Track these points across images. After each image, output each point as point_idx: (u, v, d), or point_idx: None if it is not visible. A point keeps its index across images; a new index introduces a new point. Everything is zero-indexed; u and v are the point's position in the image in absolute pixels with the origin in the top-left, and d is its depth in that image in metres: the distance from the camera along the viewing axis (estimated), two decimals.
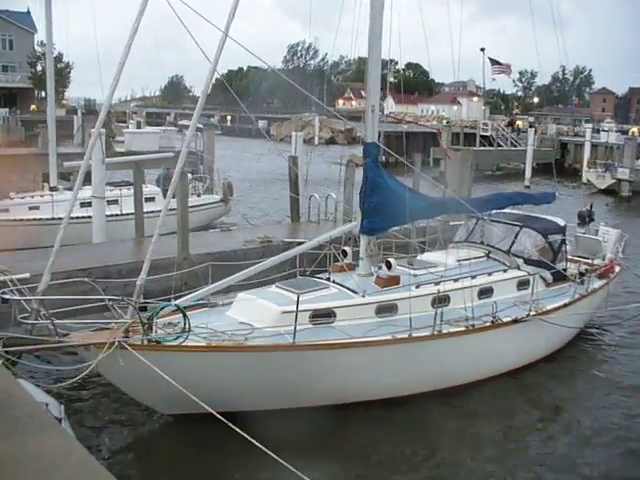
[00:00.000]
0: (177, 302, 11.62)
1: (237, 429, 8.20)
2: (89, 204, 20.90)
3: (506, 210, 17.66)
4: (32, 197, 25.50)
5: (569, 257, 17.79)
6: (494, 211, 17.25)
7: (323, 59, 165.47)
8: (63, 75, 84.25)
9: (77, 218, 21.22)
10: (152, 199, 24.57)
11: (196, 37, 11.46)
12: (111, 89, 11.95)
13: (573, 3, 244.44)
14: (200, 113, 12.48)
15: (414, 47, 16.74)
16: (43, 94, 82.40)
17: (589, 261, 18.17)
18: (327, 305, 12.61)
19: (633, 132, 65.29)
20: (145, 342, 10.34)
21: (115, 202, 24.07)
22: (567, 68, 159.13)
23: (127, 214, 22.75)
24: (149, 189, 25.41)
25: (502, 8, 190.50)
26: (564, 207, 19.26)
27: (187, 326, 10.53)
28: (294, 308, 11.32)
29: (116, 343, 9.87)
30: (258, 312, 12.21)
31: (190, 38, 11.23)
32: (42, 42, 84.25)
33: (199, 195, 28.05)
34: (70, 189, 25.75)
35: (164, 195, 26.31)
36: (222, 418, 8.55)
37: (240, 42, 11.64)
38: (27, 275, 12.38)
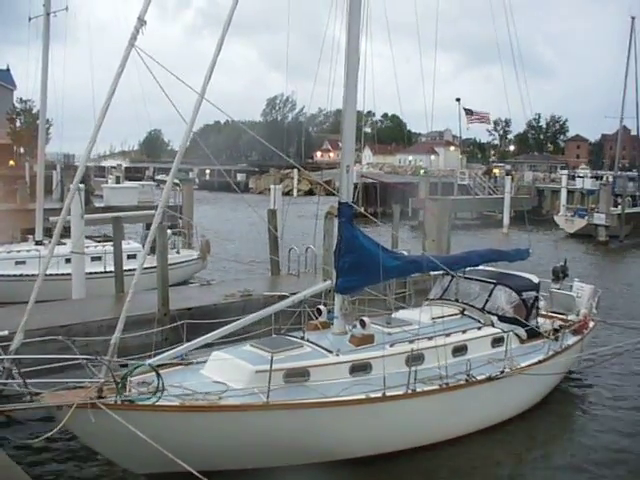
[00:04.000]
0: (151, 361, 11.57)
1: None
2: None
3: (480, 267, 17.71)
4: (18, 252, 25.54)
5: (543, 313, 17.88)
6: (468, 268, 17.33)
7: (301, 110, 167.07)
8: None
9: (61, 275, 21.21)
10: (134, 256, 24.30)
11: (174, 91, 11.66)
12: (87, 148, 12.10)
13: (553, 52, 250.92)
14: (177, 170, 12.62)
15: (392, 98, 16.94)
16: (22, 150, 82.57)
17: (563, 317, 18.23)
18: (301, 364, 12.54)
19: (608, 178, 66.32)
20: (119, 401, 10.27)
21: (99, 259, 24.00)
22: (542, 116, 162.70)
23: (111, 271, 22.64)
24: (131, 246, 25.43)
25: (487, 58, 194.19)
26: (539, 253, 19.28)
27: (160, 385, 10.53)
28: (268, 367, 11.30)
29: (88, 403, 9.83)
30: (232, 371, 12.15)
31: (168, 92, 11.45)
32: (21, 99, 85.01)
33: (178, 252, 28.14)
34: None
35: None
36: (199, 475, 8.48)
37: (221, 97, 11.93)
38: (5, 332, 12.28)
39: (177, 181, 36.89)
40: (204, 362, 12.91)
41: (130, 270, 20.10)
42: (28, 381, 9.98)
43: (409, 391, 12.62)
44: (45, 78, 25.96)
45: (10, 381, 10.01)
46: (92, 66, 27.20)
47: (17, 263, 24.69)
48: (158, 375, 10.57)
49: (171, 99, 11.34)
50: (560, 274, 19.70)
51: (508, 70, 18.01)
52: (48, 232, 28.28)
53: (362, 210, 14.75)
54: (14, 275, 23.99)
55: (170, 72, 11.14)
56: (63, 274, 21.20)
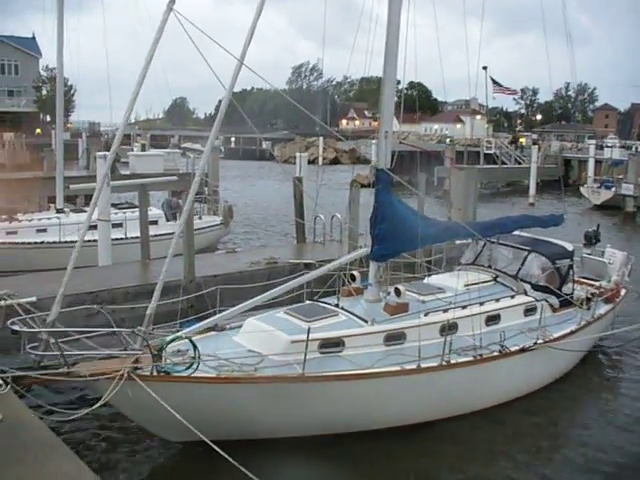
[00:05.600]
0: (185, 331, 11.67)
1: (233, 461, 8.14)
2: (95, 227, 20.92)
3: (514, 233, 17.50)
4: (39, 220, 25.75)
5: (575, 278, 17.58)
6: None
7: (330, 80, 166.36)
8: (67, 98, 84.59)
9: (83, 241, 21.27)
10: (155, 222, 24.57)
11: (207, 57, 11.57)
12: (125, 116, 12.13)
13: (589, 19, 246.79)
14: (215, 136, 12.62)
15: (417, 66, 16.69)
16: (48, 118, 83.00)
17: (595, 283, 18.00)
18: (336, 334, 12.50)
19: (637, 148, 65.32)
20: (154, 373, 10.31)
21: (120, 225, 24.11)
22: (572, 85, 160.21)
23: (132, 237, 22.81)
24: (152, 212, 25.31)
25: (520, 26, 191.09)
26: (566, 223, 18.99)
27: (197, 356, 10.57)
28: (303, 337, 11.22)
29: (125, 375, 9.83)
30: (267, 340, 12.11)
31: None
32: (47, 66, 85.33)
33: (200, 217, 28.19)
34: (77, 211, 25.97)
35: (167, 218, 26.44)
36: (217, 449, 8.55)
37: (251, 65, 11.87)
38: (34, 299, 12.33)
39: (203, 148, 36.89)
40: (237, 327, 12.97)
41: (152, 236, 20.29)
42: (65, 354, 9.98)
43: (443, 362, 12.61)
44: (61, 45, 25.70)
45: (48, 353, 10.05)
46: (105, 32, 26.88)
47: (38, 231, 24.93)
48: (195, 347, 10.61)
49: (209, 64, 11.29)
50: (593, 239, 19.43)
51: (541, 37, 17.74)
52: (69, 200, 28.55)
53: (399, 179, 14.54)
54: (35, 242, 24.22)
55: (211, 38, 11.06)
56: (86, 240, 21.28)
